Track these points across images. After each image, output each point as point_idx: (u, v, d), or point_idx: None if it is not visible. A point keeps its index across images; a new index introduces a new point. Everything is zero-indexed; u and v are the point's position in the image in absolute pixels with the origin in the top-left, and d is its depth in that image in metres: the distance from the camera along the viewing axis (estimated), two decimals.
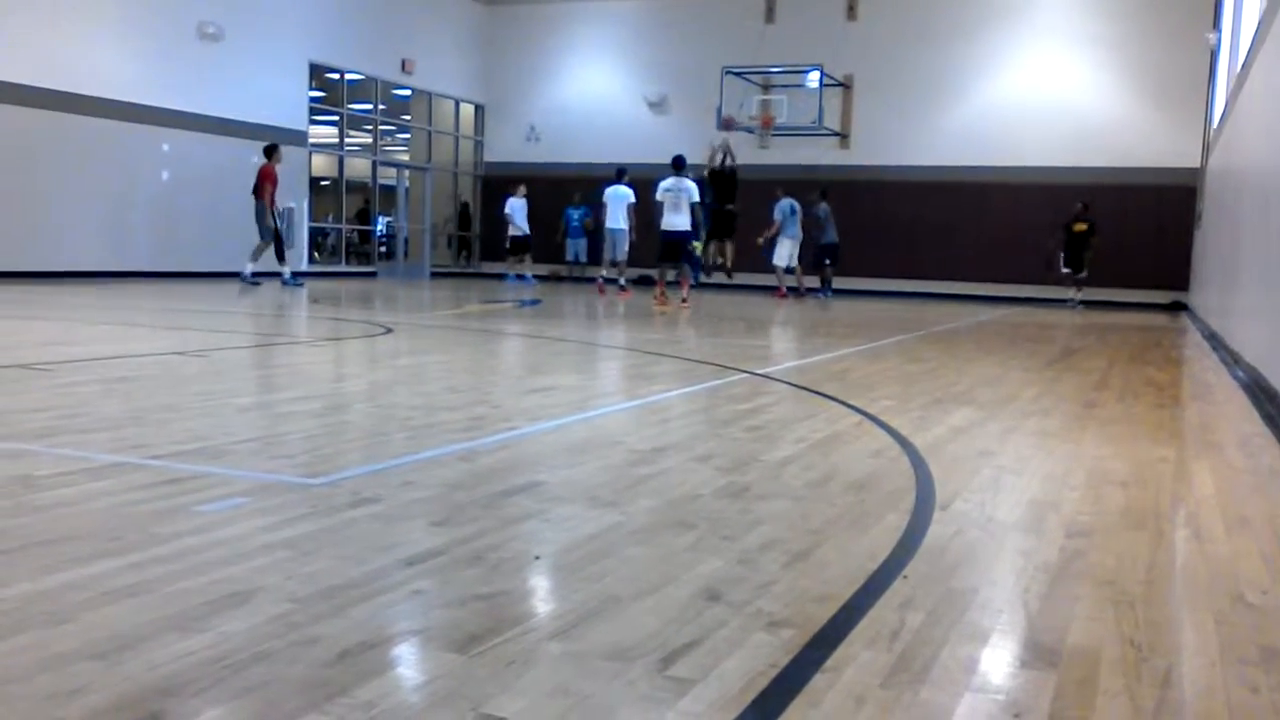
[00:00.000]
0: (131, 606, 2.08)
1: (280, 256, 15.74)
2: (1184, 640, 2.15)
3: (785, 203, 17.70)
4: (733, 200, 17.62)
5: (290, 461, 3.53)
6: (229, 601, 2.11)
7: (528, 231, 20.47)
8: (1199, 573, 2.65)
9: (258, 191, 15.56)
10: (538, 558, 2.55)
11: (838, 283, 19.05)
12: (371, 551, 2.51)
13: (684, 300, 13.94)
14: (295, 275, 16.37)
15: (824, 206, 18.21)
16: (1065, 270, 18.17)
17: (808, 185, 18.83)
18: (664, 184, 13.72)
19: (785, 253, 17.69)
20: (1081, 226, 18.07)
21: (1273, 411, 5.38)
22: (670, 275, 14.14)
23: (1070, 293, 18.43)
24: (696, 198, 13.67)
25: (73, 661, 1.80)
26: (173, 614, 2.04)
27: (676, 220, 13.61)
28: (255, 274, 15.45)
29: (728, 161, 17.62)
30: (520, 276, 20.67)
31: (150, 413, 4.44)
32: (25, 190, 14.89)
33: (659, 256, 14.08)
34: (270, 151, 15.79)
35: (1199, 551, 2.85)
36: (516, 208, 20.55)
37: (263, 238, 15.53)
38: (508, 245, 21.04)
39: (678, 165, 13.88)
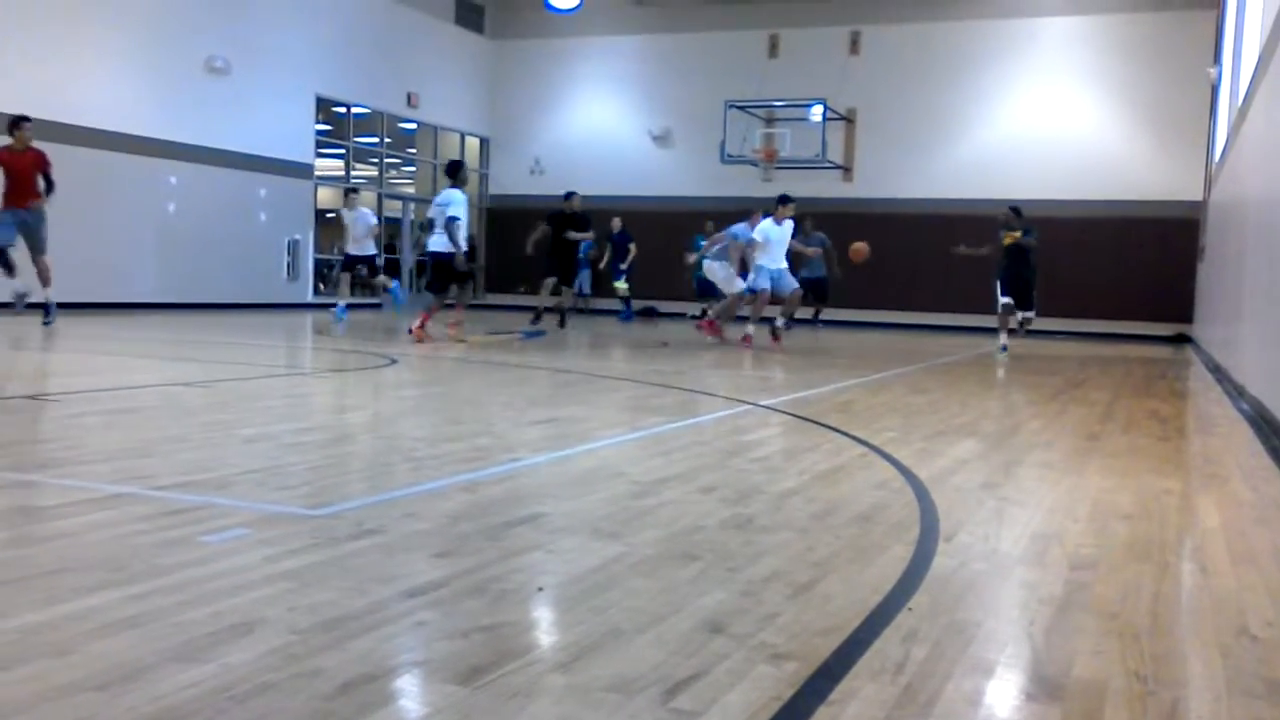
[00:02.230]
0: (134, 637, 2.07)
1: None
2: (1189, 673, 2.14)
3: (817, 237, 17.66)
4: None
5: (293, 492, 3.54)
6: (232, 632, 2.11)
7: (373, 252, 15.69)
8: (1204, 606, 2.64)
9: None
10: (541, 589, 2.54)
11: (840, 315, 19.08)
12: (374, 583, 2.51)
13: (450, 328, 12.02)
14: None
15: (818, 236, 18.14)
16: (1005, 301, 13.13)
17: (807, 217, 18.84)
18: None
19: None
20: (1013, 237, 13.15)
21: (1277, 444, 5.37)
22: (440, 302, 11.96)
23: (1002, 337, 13.34)
24: (457, 213, 11.29)
25: (75, 693, 1.80)
26: (176, 645, 2.03)
27: (434, 240, 11.64)
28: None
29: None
30: (349, 305, 16.22)
31: (154, 444, 4.45)
32: None
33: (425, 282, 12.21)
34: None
35: (1204, 584, 2.84)
36: (356, 219, 15.32)
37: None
38: (340, 266, 16.27)
39: (450, 172, 11.71)
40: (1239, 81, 11.81)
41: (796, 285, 13.03)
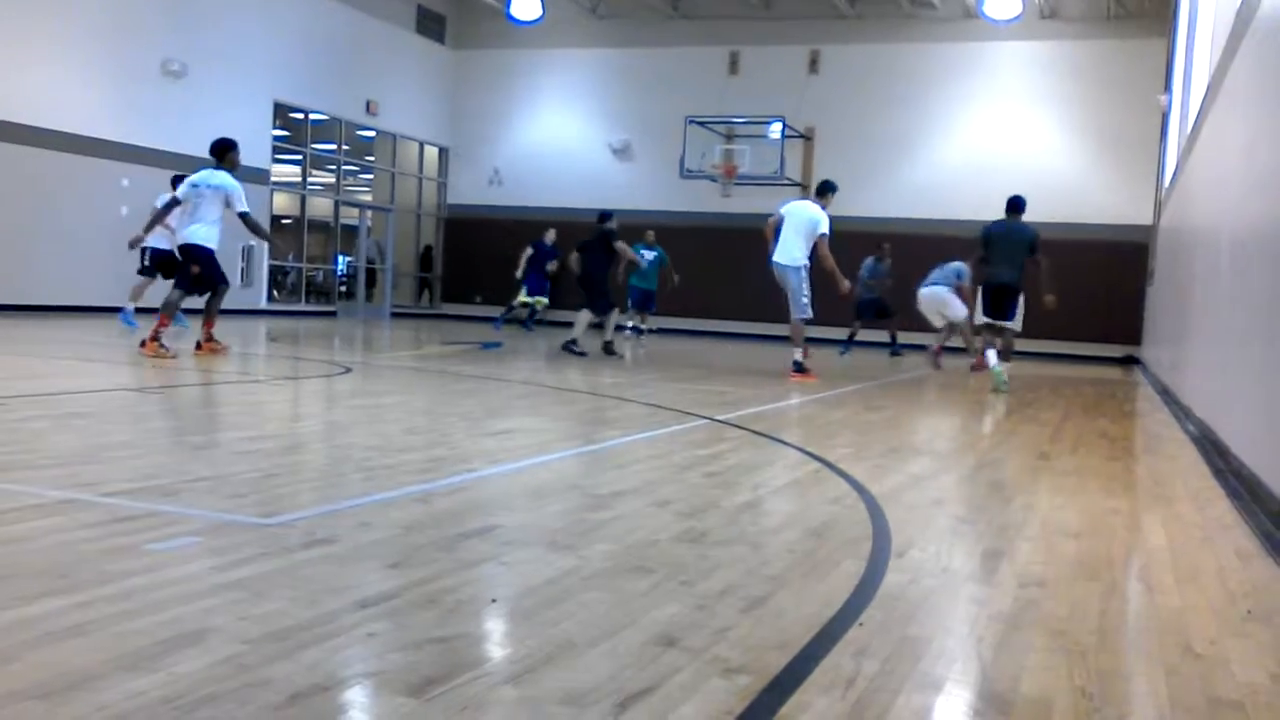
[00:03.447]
0: (79, 646, 2.04)
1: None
2: (1135, 690, 2.18)
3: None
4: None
5: (244, 501, 3.50)
6: (179, 642, 2.08)
7: (168, 246, 12.18)
8: (1150, 624, 2.68)
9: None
10: (494, 601, 2.54)
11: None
12: (325, 593, 2.48)
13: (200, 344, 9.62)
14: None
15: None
16: (985, 320, 10.95)
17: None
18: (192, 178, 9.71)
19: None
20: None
21: (1222, 465, 5.47)
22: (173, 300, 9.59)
23: (993, 358, 10.62)
24: (243, 207, 9.49)
25: (16, 701, 1.77)
26: (122, 654, 2.00)
27: (196, 230, 9.51)
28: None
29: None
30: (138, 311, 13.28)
31: (103, 449, 4.38)
32: None
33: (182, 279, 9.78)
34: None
35: (1150, 603, 2.89)
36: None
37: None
38: (146, 263, 13.22)
39: (217, 151, 9.82)
40: (1188, 109, 12.04)
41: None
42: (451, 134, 24.72)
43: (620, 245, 13.23)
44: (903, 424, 7.05)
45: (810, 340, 11.50)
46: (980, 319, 11.23)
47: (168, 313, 9.43)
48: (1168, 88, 17.89)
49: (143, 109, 17.00)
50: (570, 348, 12.81)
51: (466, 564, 2.82)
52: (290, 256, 22.60)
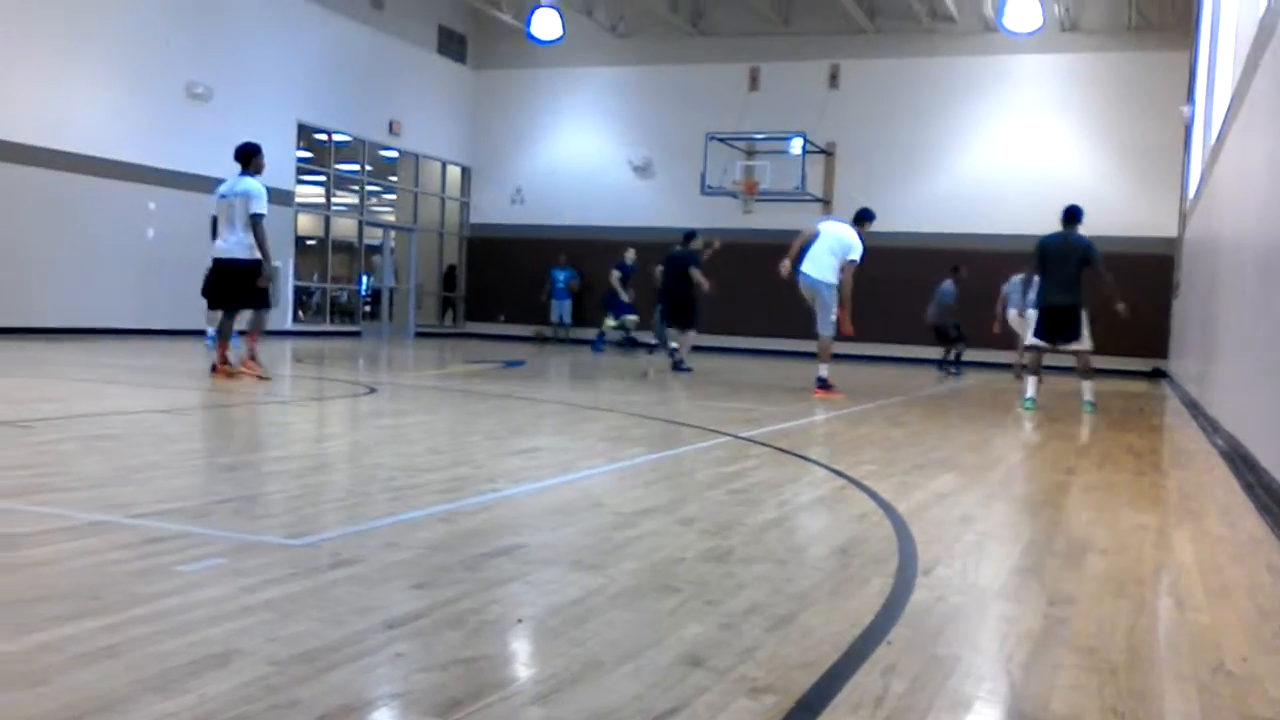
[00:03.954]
0: (110, 668, 2.05)
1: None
2: (1166, 708, 2.15)
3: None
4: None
5: (271, 522, 3.51)
6: (208, 663, 2.09)
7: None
8: (1180, 641, 2.65)
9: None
10: (520, 621, 2.54)
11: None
12: (352, 614, 2.49)
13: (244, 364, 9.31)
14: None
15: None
16: (1035, 341, 10.42)
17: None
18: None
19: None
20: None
21: (1252, 480, 5.42)
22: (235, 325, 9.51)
23: (1031, 386, 10.50)
24: (259, 209, 9.24)
25: None
26: (152, 675, 2.01)
27: (230, 242, 9.33)
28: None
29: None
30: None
31: (131, 471, 4.42)
32: (10, 246, 14.88)
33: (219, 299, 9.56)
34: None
35: (1180, 619, 2.86)
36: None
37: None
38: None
39: (241, 156, 9.67)
40: (1212, 120, 11.98)
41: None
42: (473, 153, 24.85)
43: (694, 272, 13.74)
44: (928, 440, 7.02)
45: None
46: (1030, 340, 10.77)
47: (257, 329, 9.52)
48: (1190, 99, 17.80)
49: (168, 132, 17.17)
50: (678, 366, 13.56)
51: (492, 584, 2.83)
52: (315, 277, 22.75)
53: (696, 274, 13.71)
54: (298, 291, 21.14)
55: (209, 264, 9.78)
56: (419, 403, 8.49)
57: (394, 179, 24.22)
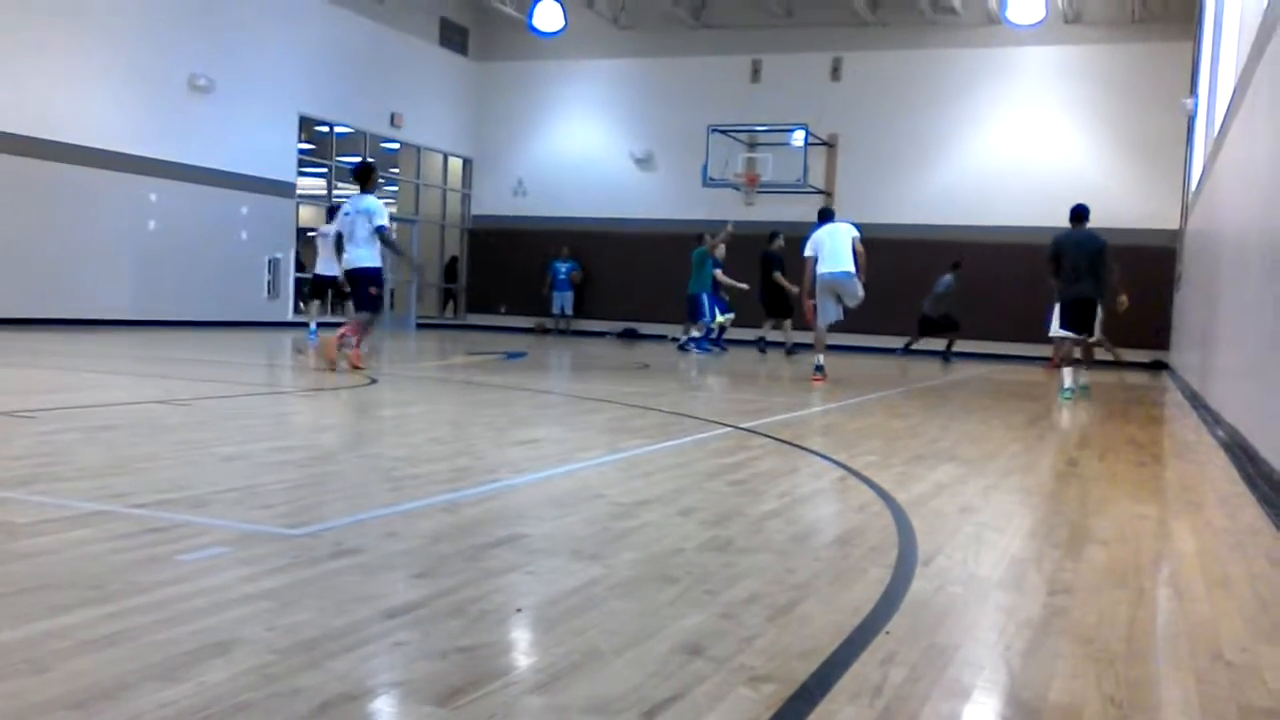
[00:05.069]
0: (111, 656, 2.06)
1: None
2: (1165, 698, 2.16)
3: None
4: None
5: (272, 511, 3.52)
6: (209, 652, 2.10)
7: (335, 272, 12.56)
8: (1179, 631, 2.66)
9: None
10: (520, 610, 2.54)
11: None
12: (353, 603, 2.50)
13: (352, 357, 9.87)
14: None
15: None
16: (1063, 333, 10.80)
17: (791, 241, 18.93)
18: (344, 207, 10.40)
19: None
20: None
21: (1252, 471, 5.42)
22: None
23: (1069, 377, 10.42)
24: (382, 221, 10.00)
25: (51, 711, 1.79)
26: (153, 664, 2.02)
27: (358, 254, 10.09)
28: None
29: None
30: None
31: (133, 461, 4.43)
32: (12, 237, 14.89)
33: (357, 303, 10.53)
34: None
35: (1180, 610, 2.87)
36: (323, 237, 14.28)
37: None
38: (307, 290, 15.21)
39: (359, 176, 10.40)
40: (1214, 112, 11.96)
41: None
42: (475, 145, 24.84)
43: (776, 275, 16.19)
44: (928, 431, 7.02)
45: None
46: (1057, 331, 11.13)
47: (366, 330, 10.31)
48: (1193, 91, 17.77)
49: (170, 124, 17.17)
50: (791, 350, 15.91)
51: (492, 573, 2.84)
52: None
53: (779, 277, 16.17)
54: (299, 283, 21.14)
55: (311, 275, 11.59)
56: (421, 394, 8.50)
57: (395, 171, 24.19)
